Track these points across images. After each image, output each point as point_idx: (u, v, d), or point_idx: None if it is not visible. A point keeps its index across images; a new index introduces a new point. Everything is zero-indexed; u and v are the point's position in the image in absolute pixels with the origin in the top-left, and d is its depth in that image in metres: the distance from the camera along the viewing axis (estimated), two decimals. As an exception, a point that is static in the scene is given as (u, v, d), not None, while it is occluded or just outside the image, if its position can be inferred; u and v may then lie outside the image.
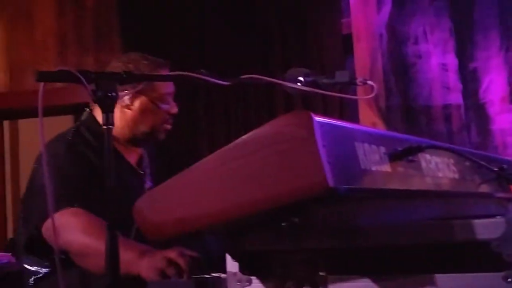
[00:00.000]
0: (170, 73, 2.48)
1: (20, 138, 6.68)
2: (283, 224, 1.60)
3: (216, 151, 1.63)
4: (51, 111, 5.54)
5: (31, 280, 2.63)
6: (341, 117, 4.79)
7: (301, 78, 2.26)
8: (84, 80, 1.80)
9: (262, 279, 1.75)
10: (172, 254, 2.11)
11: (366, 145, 1.64)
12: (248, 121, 4.99)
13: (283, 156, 1.50)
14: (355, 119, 4.76)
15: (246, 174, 1.55)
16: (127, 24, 5.39)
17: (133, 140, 2.74)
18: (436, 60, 4.73)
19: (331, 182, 1.44)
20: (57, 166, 2.53)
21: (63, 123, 5.50)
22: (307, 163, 1.45)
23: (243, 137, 1.59)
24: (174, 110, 2.77)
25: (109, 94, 1.82)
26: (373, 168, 1.63)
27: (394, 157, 1.73)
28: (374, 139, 1.69)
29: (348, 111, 4.97)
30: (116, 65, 2.69)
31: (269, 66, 4.95)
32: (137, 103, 2.71)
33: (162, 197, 1.74)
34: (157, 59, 2.73)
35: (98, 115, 2.68)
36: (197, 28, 5.16)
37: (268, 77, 2.26)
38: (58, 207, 2.40)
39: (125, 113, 2.71)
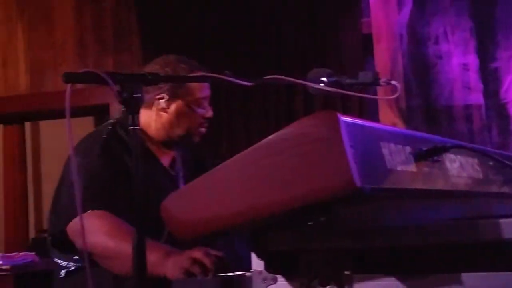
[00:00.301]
0: (195, 75, 2.48)
1: (41, 139, 6.73)
2: (309, 223, 1.61)
3: (243, 152, 1.64)
4: (72, 112, 5.58)
5: (62, 272, 2.63)
6: (360, 118, 4.77)
7: (324, 79, 2.26)
8: (110, 81, 1.81)
9: (287, 278, 1.76)
10: (197, 253, 2.13)
11: (391, 145, 1.64)
12: (268, 122, 5.01)
13: (310, 156, 1.51)
14: (375, 119, 4.76)
15: (273, 174, 1.56)
16: (146, 24, 5.41)
17: (168, 142, 2.75)
18: (457, 60, 4.72)
19: (358, 182, 1.45)
20: (87, 167, 2.53)
21: (83, 124, 5.54)
22: (334, 163, 1.46)
23: (270, 137, 1.60)
24: (209, 114, 2.77)
25: (135, 96, 1.83)
26: (399, 168, 1.64)
27: (419, 157, 1.74)
28: (400, 139, 1.70)
29: (368, 112, 4.97)
30: (153, 68, 2.68)
31: (288, 66, 4.95)
32: (173, 107, 2.71)
33: (189, 197, 1.75)
34: (193, 62, 2.73)
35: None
36: (216, 28, 5.17)
37: (289, 77, 2.27)
38: (83, 209, 2.38)
39: (161, 116, 2.72)
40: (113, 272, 2.40)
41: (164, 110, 2.71)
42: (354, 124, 1.53)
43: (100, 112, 5.74)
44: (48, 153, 6.74)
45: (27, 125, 6.37)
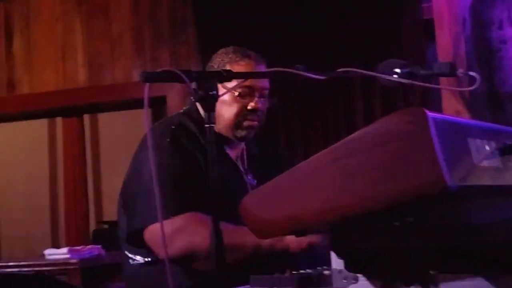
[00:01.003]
0: (267, 70, 2.43)
1: (100, 131, 6.79)
2: (395, 223, 1.57)
3: (326, 149, 1.60)
4: (130, 104, 5.61)
5: (133, 263, 2.62)
6: (423, 107, 4.71)
7: (397, 70, 2.22)
8: (187, 80, 1.79)
9: (369, 277, 1.72)
10: None
11: (478, 140, 1.59)
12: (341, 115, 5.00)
13: (397, 154, 1.46)
14: (438, 108, 4.68)
15: (358, 172, 1.52)
16: (202, 16, 5.40)
17: (233, 138, 2.67)
18: (523, 45, 4.61)
19: (448, 180, 1.40)
20: (163, 164, 2.45)
21: (142, 117, 5.52)
22: (422, 161, 1.42)
23: (354, 134, 1.56)
24: (252, 105, 2.59)
25: (210, 93, 1.81)
26: (486, 164, 1.59)
27: (504, 151, 1.69)
28: (485, 134, 1.65)
29: (431, 100, 4.90)
30: (216, 61, 2.64)
31: (348, 55, 4.91)
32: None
33: (269, 195, 1.72)
34: (256, 56, 2.64)
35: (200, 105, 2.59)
36: (273, 18, 5.13)
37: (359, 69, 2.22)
38: (167, 214, 2.37)
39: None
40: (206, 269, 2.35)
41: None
42: (442, 120, 1.48)
43: (157, 104, 5.76)
44: (107, 145, 6.79)
45: (86, 117, 6.41)
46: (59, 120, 6.44)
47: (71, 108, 6.04)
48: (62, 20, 5.87)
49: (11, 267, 4.33)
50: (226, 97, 2.53)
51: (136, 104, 5.45)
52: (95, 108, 6.26)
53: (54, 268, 4.27)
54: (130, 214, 2.55)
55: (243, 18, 5.20)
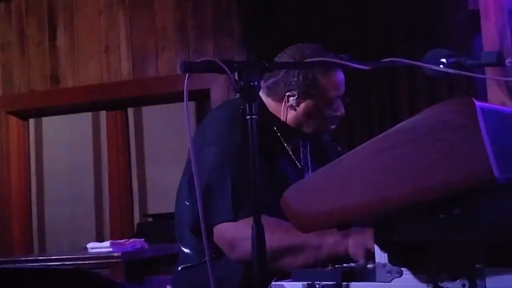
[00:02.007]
0: (313, 59, 2.34)
1: (144, 125, 6.80)
2: (441, 216, 1.53)
3: (371, 140, 1.57)
4: (174, 97, 5.60)
5: (186, 263, 2.57)
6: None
7: (443, 60, 2.17)
8: (227, 70, 1.76)
9: (413, 271, 1.68)
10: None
11: (526, 131, 1.55)
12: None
13: (444, 145, 1.43)
14: (483, 99, 4.61)
15: (404, 164, 1.48)
16: (246, 8, 5.37)
17: (296, 133, 2.63)
18: None
19: (496, 173, 1.36)
20: (234, 158, 2.40)
21: (181, 109, 5.53)
22: (471, 153, 1.38)
23: (401, 124, 1.52)
24: (341, 112, 2.63)
25: (252, 84, 1.78)
26: (535, 156, 1.54)
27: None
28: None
29: (477, 91, 4.83)
30: (284, 57, 2.56)
31: (393, 45, 4.87)
32: (302, 106, 2.57)
33: (311, 188, 1.69)
34: (328, 53, 2.50)
35: (267, 100, 2.61)
36: (318, 12, 5.09)
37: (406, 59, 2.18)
38: (235, 216, 2.34)
39: (289, 112, 2.59)
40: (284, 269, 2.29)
41: (293, 107, 2.58)
42: (490, 110, 1.44)
43: (201, 97, 5.75)
44: (151, 138, 6.80)
45: (130, 111, 6.43)
46: (103, 113, 6.46)
47: (115, 102, 6.05)
48: (106, 13, 5.88)
49: (54, 260, 4.34)
50: (312, 108, 2.57)
51: (180, 97, 5.41)
52: (139, 101, 6.27)
53: (97, 261, 4.26)
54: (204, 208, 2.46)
55: (288, 11, 5.16)
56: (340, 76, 2.61)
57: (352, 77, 4.60)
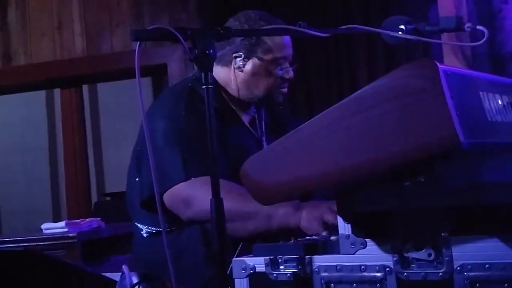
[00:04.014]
0: (268, 26, 2.33)
1: (99, 101, 6.69)
2: (405, 183, 1.48)
3: (331, 107, 1.51)
4: (129, 73, 5.51)
5: (144, 233, 2.54)
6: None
7: (402, 26, 2.14)
8: (180, 38, 1.70)
9: (378, 242, 1.64)
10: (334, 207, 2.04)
11: (490, 94, 1.51)
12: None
13: (406, 110, 1.38)
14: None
15: (365, 131, 1.43)
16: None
17: (249, 102, 2.63)
18: (524, 5, 4.52)
19: (461, 137, 1.32)
20: (180, 128, 2.43)
21: (142, 85, 5.43)
22: (435, 117, 1.33)
23: (361, 90, 1.47)
24: (289, 75, 2.62)
25: (207, 52, 1.72)
26: (499, 120, 1.50)
27: (518, 106, 1.60)
28: (497, 88, 1.56)
29: (433, 58, 4.83)
30: (233, 24, 2.55)
31: (352, 14, 4.88)
32: (249, 66, 2.57)
33: (271, 159, 1.63)
34: (276, 20, 2.56)
35: (216, 69, 2.56)
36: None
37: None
38: (187, 176, 2.34)
39: (238, 75, 2.59)
40: (234, 235, 2.27)
41: (240, 69, 2.58)
42: (453, 73, 1.39)
43: (158, 73, 5.67)
44: (107, 115, 6.70)
45: (85, 88, 6.33)
46: (57, 91, 6.35)
47: (69, 79, 5.96)
48: (58, -10, 5.77)
49: (7, 242, 4.25)
50: (259, 68, 2.57)
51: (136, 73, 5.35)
52: (93, 78, 6.17)
53: (52, 243, 4.17)
54: (146, 179, 2.44)
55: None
56: (285, 38, 2.60)
57: (311, 49, 4.58)
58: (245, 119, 2.67)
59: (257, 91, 2.60)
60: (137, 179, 2.53)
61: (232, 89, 2.61)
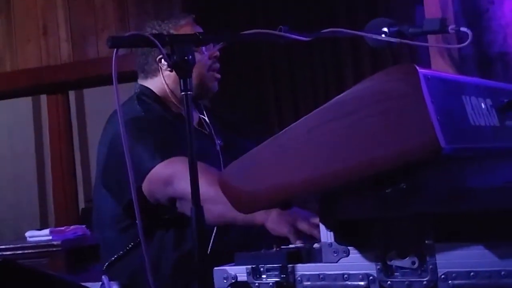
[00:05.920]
0: (248, 31, 2.30)
1: (86, 107, 6.65)
2: (387, 190, 1.45)
3: (311, 113, 1.48)
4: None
5: (112, 253, 2.53)
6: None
7: (385, 29, 2.12)
8: (158, 44, 1.66)
9: (361, 250, 1.61)
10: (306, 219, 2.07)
11: (473, 98, 1.48)
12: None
13: (387, 115, 1.35)
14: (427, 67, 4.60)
15: (346, 136, 1.40)
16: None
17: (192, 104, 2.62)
18: (510, 5, 4.49)
19: (442, 142, 1.29)
20: (144, 127, 2.45)
21: (129, 90, 5.41)
22: (415, 122, 1.31)
23: (341, 95, 1.44)
24: (217, 53, 2.61)
25: (186, 58, 1.69)
26: (482, 124, 1.48)
27: (501, 110, 1.58)
28: (480, 91, 1.54)
29: (420, 61, 4.82)
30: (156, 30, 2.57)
31: (336, 16, 4.87)
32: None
33: (249, 166, 1.60)
34: (179, 15, 2.63)
35: (149, 83, 2.65)
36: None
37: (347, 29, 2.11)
38: (162, 157, 2.35)
39: (169, 76, 2.60)
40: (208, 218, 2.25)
41: (168, 69, 2.57)
42: (434, 77, 1.37)
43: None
44: (94, 120, 6.64)
45: (71, 94, 6.29)
46: (43, 97, 6.30)
47: (55, 85, 5.91)
48: (43, -6, 5.74)
49: (-6, 251, 4.21)
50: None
51: (123, 77, 5.30)
52: (80, 84, 6.12)
53: (36, 251, 4.13)
54: (120, 185, 2.42)
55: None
56: (188, 18, 2.63)
57: (296, 51, 4.56)
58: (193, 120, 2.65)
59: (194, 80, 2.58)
60: (105, 190, 2.54)
61: (170, 94, 2.61)
